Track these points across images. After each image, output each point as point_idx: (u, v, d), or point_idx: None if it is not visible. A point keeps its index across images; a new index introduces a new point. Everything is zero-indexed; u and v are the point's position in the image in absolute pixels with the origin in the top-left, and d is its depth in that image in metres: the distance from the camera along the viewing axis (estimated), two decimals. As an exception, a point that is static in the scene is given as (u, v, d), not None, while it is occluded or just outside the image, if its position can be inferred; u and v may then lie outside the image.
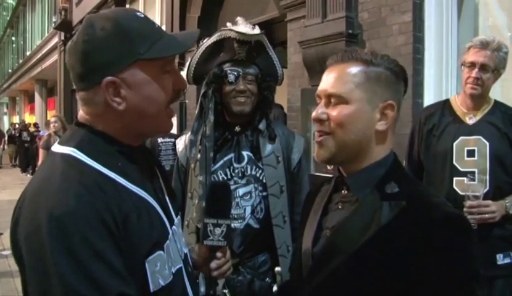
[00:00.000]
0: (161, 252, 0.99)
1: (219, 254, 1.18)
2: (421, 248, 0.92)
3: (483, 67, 2.11)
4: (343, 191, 1.13)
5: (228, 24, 1.93)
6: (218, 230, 1.09)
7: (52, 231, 0.83)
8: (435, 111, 2.32)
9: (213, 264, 1.18)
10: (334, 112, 1.06)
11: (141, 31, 0.97)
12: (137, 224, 0.95)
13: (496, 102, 2.22)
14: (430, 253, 0.91)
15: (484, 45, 2.13)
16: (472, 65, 2.14)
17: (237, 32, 1.85)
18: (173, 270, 1.03)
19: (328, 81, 1.09)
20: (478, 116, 2.19)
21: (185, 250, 1.15)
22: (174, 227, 1.09)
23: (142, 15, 1.02)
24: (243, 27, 1.89)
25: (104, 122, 1.00)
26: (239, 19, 1.93)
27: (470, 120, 2.20)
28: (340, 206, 1.13)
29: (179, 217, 1.18)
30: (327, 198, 1.18)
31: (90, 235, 0.84)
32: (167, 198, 1.13)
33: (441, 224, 0.94)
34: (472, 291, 0.93)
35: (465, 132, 2.17)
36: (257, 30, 1.90)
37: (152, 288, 0.96)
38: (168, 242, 1.03)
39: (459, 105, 2.26)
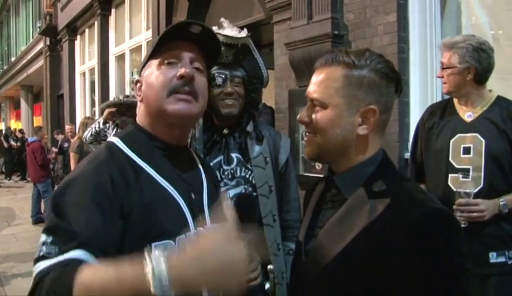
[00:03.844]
0: (172, 242, 1.06)
1: None
2: (406, 244, 0.93)
3: (442, 65, 2.23)
4: (333, 190, 1.15)
5: (214, 28, 1.94)
6: None
7: (62, 186, 1.03)
8: (438, 109, 2.35)
9: None
10: (314, 116, 1.09)
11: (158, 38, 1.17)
12: (149, 208, 1.04)
13: (498, 97, 2.22)
14: (415, 248, 0.92)
15: (441, 46, 2.29)
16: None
17: (224, 35, 1.87)
18: None
19: (312, 85, 1.12)
20: (477, 113, 2.18)
21: None
22: (201, 229, 1.15)
23: (180, 20, 1.19)
24: (230, 30, 1.90)
25: (139, 115, 1.23)
26: (225, 22, 1.94)
27: (468, 117, 2.20)
28: (330, 205, 1.15)
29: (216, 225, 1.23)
30: (319, 197, 1.21)
31: (88, 192, 0.99)
32: (206, 202, 1.21)
33: (425, 219, 0.95)
34: (458, 284, 0.93)
35: (462, 129, 2.18)
36: (244, 33, 1.92)
37: None
38: (184, 236, 1.09)
39: (459, 102, 2.27)
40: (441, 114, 2.31)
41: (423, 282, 0.91)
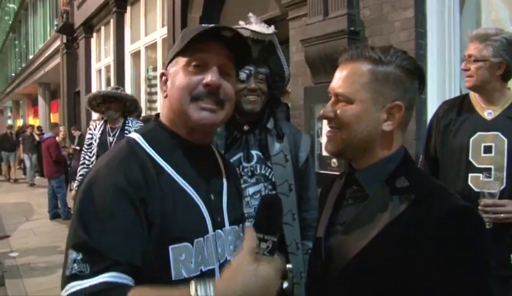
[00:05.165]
0: (189, 245, 1.05)
1: None
2: (430, 241, 0.93)
3: (469, 57, 2.13)
4: (354, 186, 1.15)
5: (241, 22, 1.92)
6: (263, 245, 1.08)
7: (85, 190, 1.01)
8: (454, 106, 2.28)
9: None
10: (339, 111, 1.08)
11: (188, 34, 1.12)
12: (168, 211, 1.03)
13: None
14: (439, 245, 0.92)
15: (469, 37, 2.17)
16: (465, 58, 2.16)
17: (252, 31, 1.85)
18: (203, 268, 1.08)
19: (337, 80, 1.11)
20: (498, 111, 2.13)
21: (230, 258, 1.18)
22: (219, 230, 1.15)
23: (210, 26, 1.13)
24: (257, 26, 1.89)
25: (163, 111, 1.19)
26: (252, 17, 1.92)
27: (488, 115, 2.14)
28: (351, 202, 1.15)
29: (235, 226, 1.22)
30: (339, 193, 1.20)
31: (111, 200, 0.97)
32: (225, 204, 1.20)
33: (449, 216, 0.95)
34: (482, 282, 0.93)
35: (483, 128, 2.12)
36: (271, 29, 1.91)
37: (173, 275, 1.03)
38: (201, 239, 1.08)
39: (477, 99, 2.21)
40: (458, 111, 2.24)
41: (449, 278, 0.91)
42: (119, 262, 0.93)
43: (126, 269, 0.94)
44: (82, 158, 4.46)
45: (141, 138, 1.13)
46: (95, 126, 4.42)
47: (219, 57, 1.13)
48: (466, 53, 2.17)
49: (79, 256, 0.92)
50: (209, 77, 1.10)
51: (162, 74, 1.20)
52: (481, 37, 2.11)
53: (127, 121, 4.32)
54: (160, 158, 1.10)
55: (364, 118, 1.06)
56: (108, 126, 4.32)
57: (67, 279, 0.92)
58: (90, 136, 4.37)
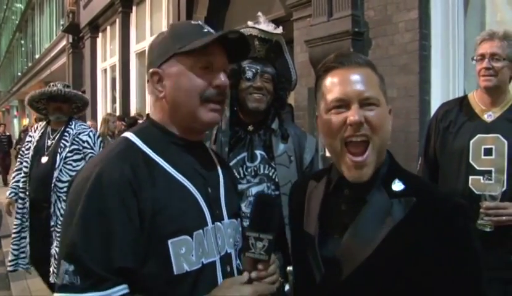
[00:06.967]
0: (188, 238, 1.06)
1: (260, 266, 1.14)
2: (437, 240, 0.94)
3: (493, 56, 2.08)
4: (346, 191, 1.10)
5: (250, 22, 1.94)
6: (259, 244, 1.07)
7: (75, 192, 1.01)
8: (453, 108, 2.26)
9: (253, 274, 1.14)
10: (373, 115, 1.02)
11: (184, 32, 1.15)
12: (164, 204, 1.04)
13: None
14: (447, 244, 0.94)
15: (491, 35, 2.11)
16: (482, 56, 2.11)
17: (259, 29, 1.88)
18: (204, 260, 1.09)
19: (358, 84, 1.04)
20: (498, 113, 2.12)
21: (230, 250, 1.19)
22: (218, 223, 1.16)
23: (198, 22, 1.19)
24: (265, 25, 1.91)
25: (156, 111, 1.19)
26: (261, 16, 1.94)
27: (488, 117, 2.13)
28: (344, 207, 1.10)
29: (234, 220, 1.24)
30: (324, 200, 1.15)
31: (101, 202, 0.98)
32: (222, 197, 1.21)
33: (453, 214, 0.97)
34: (484, 274, 0.97)
35: (482, 130, 2.11)
36: (279, 30, 1.93)
37: (175, 270, 1.03)
38: (201, 231, 1.09)
39: (477, 101, 2.19)
40: (457, 113, 2.23)
41: (457, 273, 0.94)
42: (107, 277, 0.93)
43: (116, 281, 0.95)
44: (18, 163, 3.88)
45: (134, 136, 1.14)
46: (37, 128, 3.83)
47: (222, 58, 1.17)
48: (486, 52, 2.10)
49: (71, 268, 0.93)
50: (220, 79, 1.14)
51: (154, 73, 1.16)
52: (500, 36, 2.08)
53: (70, 123, 3.70)
54: (154, 154, 1.10)
55: (387, 119, 1.07)
56: (50, 128, 3.72)
57: (59, 288, 0.95)
58: (29, 139, 3.78)
